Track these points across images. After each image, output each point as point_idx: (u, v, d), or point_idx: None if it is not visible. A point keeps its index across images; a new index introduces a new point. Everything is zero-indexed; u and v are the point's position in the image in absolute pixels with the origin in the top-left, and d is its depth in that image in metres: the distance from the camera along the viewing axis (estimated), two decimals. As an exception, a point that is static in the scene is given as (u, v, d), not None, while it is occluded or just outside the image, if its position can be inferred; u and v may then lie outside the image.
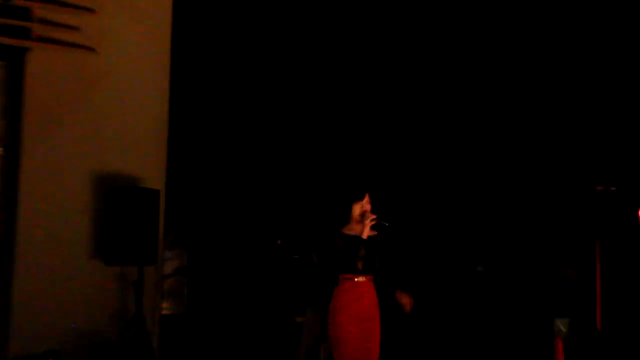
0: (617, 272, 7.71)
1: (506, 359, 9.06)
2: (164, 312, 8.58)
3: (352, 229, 6.86)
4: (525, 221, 9.09)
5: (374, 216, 6.79)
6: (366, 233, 6.82)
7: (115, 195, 7.37)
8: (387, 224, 6.78)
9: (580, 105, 9.02)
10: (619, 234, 6.79)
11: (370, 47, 9.13)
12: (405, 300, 6.85)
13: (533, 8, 8.84)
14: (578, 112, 8.94)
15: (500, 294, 9.36)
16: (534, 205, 9.12)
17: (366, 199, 6.84)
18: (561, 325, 8.72)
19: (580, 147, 9.03)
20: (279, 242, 9.53)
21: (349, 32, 9.13)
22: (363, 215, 6.81)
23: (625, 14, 8.55)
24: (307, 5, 9.20)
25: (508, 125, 9.12)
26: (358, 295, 6.74)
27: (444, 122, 9.32)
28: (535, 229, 9.07)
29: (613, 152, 8.86)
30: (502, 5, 8.82)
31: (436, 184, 9.50)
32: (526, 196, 9.14)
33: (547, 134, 9.07)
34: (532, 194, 9.12)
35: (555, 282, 9.16)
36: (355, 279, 6.73)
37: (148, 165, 7.78)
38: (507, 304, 9.21)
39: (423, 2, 8.98)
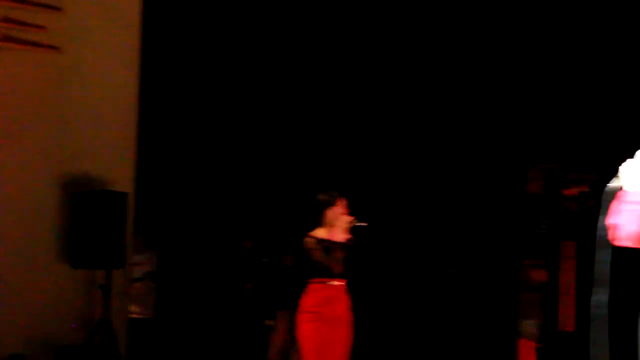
0: (584, 273, 8.00)
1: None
2: (132, 315, 8.57)
3: (327, 232, 6.78)
4: (494, 224, 9.18)
5: (351, 219, 6.72)
6: (342, 236, 6.73)
7: (82, 199, 7.36)
8: (365, 225, 6.66)
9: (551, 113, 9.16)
10: (587, 236, 6.84)
11: (340, 52, 9.23)
12: None
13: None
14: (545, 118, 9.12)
15: (470, 296, 9.41)
16: (503, 208, 9.22)
17: (342, 202, 6.76)
18: (528, 326, 8.76)
19: (549, 150, 9.14)
20: (248, 245, 9.50)
21: (320, 32, 9.19)
22: (339, 218, 6.73)
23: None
24: (276, 5, 9.21)
25: (478, 129, 9.20)
26: (331, 299, 6.69)
27: (415, 125, 9.37)
28: (503, 232, 9.19)
29: (583, 155, 8.95)
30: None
31: (408, 187, 9.53)
32: (495, 199, 9.22)
33: (517, 138, 9.19)
34: (502, 197, 9.20)
35: (522, 285, 9.28)
36: (329, 283, 6.68)
37: (117, 168, 7.74)
38: (477, 306, 9.26)
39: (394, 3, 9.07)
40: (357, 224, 6.68)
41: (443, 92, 9.09)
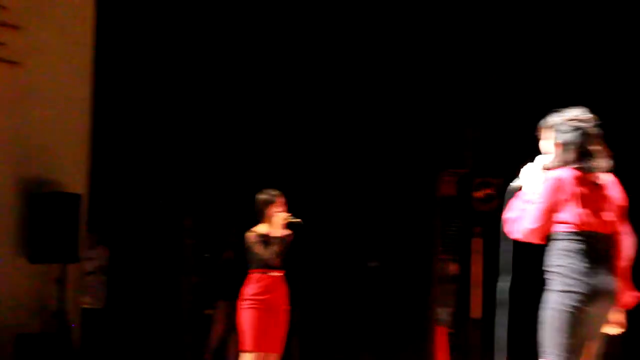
0: (491, 266, 7.79)
1: (393, 348, 9.53)
2: (85, 306, 8.81)
3: (267, 228, 6.91)
4: (413, 223, 9.53)
5: (287, 215, 6.84)
6: (280, 232, 6.86)
7: (38, 200, 7.59)
8: (300, 221, 6.78)
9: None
10: (493, 232, 7.22)
11: (267, 54, 9.33)
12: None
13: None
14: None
15: (391, 287, 9.79)
16: (420, 208, 9.49)
17: (280, 200, 6.89)
18: (443, 314, 9.30)
19: (460, 156, 9.37)
20: (189, 242, 9.66)
21: (252, 34, 9.29)
22: (277, 215, 6.86)
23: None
24: (212, 20, 9.36)
25: (399, 137, 9.49)
26: (271, 288, 6.82)
27: (336, 122, 9.51)
28: (420, 230, 9.52)
29: (490, 161, 9.28)
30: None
31: (338, 189, 9.79)
32: (413, 201, 9.53)
33: (432, 145, 9.44)
34: (419, 199, 9.50)
35: (437, 277, 9.59)
36: (269, 273, 6.84)
37: (71, 172, 7.93)
38: (396, 295, 9.64)
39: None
40: (292, 221, 6.84)
41: (366, 99, 9.42)
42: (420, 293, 9.40)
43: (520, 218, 4.15)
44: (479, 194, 8.67)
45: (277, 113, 9.49)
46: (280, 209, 6.79)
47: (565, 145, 4.18)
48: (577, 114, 4.22)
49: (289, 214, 6.75)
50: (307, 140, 9.53)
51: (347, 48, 9.25)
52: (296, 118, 9.53)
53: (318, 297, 9.48)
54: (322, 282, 9.53)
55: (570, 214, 4.09)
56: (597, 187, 4.16)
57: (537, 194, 4.13)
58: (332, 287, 9.68)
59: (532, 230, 4.10)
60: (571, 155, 4.15)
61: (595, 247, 4.09)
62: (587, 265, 4.05)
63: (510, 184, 4.29)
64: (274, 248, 6.70)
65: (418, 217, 9.40)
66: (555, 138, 4.22)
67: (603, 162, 4.18)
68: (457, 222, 9.49)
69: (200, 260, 9.99)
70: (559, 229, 4.11)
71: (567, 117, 4.21)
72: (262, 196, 6.80)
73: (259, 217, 6.84)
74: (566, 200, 4.09)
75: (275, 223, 6.78)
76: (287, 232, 6.82)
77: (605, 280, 4.07)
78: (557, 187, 4.10)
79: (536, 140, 4.31)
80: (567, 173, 4.14)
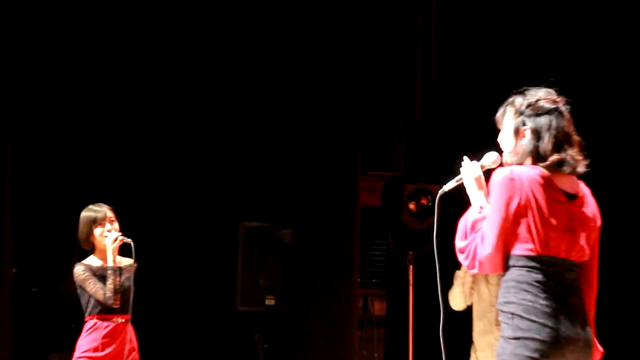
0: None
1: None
2: None
3: (100, 256, 6.07)
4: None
5: (117, 235, 5.98)
6: (113, 258, 6.01)
7: None
8: (130, 242, 5.90)
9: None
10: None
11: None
12: None
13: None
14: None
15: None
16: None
17: (109, 213, 6.06)
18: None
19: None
20: (14, 270, 8.53)
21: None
22: (106, 236, 6.01)
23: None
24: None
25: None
26: (112, 340, 6.05)
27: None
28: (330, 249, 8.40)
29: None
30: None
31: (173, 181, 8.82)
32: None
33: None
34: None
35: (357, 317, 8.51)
36: (109, 320, 6.05)
37: None
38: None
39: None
40: (123, 241, 5.95)
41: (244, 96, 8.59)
42: (333, 341, 8.15)
43: (474, 243, 3.69)
44: (412, 205, 7.62)
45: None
46: (109, 228, 5.99)
47: (537, 133, 3.72)
48: (546, 94, 3.81)
49: (119, 234, 5.93)
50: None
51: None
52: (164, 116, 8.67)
53: (180, 348, 8.41)
54: (186, 328, 8.46)
55: (528, 231, 3.64)
56: (570, 197, 3.72)
57: (489, 203, 3.70)
58: (198, 334, 8.51)
59: (489, 258, 3.64)
60: (546, 146, 3.70)
61: (561, 279, 3.65)
62: (547, 303, 3.61)
63: (442, 187, 3.91)
64: (111, 284, 5.92)
65: (327, 237, 8.21)
66: (521, 123, 3.77)
67: (581, 161, 3.75)
68: (383, 244, 8.84)
69: (27, 296, 9.00)
70: (513, 251, 3.66)
71: (538, 97, 3.78)
72: (84, 214, 6.03)
73: (83, 244, 6.05)
74: (524, 211, 3.64)
75: (106, 249, 5.97)
76: (128, 260, 6.07)
77: (573, 325, 3.63)
78: (514, 189, 3.62)
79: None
80: (530, 172, 3.68)
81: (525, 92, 3.81)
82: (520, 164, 3.71)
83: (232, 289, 7.64)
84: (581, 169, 3.74)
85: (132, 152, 8.68)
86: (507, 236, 3.63)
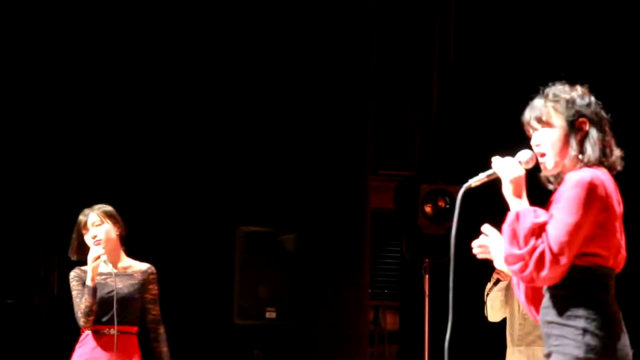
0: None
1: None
2: None
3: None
4: None
5: (99, 253, 5.83)
6: (92, 277, 5.78)
7: None
8: (104, 252, 5.75)
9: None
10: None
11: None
12: None
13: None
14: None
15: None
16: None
17: (92, 221, 5.93)
18: None
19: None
20: None
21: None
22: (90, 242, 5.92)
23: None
24: None
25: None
26: (105, 353, 5.86)
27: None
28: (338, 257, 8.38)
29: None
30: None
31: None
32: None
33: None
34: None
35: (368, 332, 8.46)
36: (103, 331, 5.86)
37: None
38: None
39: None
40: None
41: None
42: (341, 359, 8.07)
43: (538, 251, 3.39)
44: (428, 207, 7.64)
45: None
46: (95, 233, 5.90)
47: (599, 125, 3.50)
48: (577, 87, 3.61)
49: (103, 248, 5.80)
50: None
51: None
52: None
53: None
54: (178, 344, 7.86)
55: (602, 243, 3.45)
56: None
57: (565, 207, 3.42)
58: (192, 351, 8.34)
59: (560, 269, 3.39)
60: (611, 140, 3.50)
61: (613, 292, 3.53)
62: (618, 320, 3.47)
63: (468, 182, 3.57)
64: (83, 304, 5.79)
65: (334, 243, 8.19)
66: (574, 115, 3.50)
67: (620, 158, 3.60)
68: (396, 251, 8.97)
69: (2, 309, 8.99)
70: (585, 262, 3.44)
71: (576, 88, 3.54)
72: (80, 217, 6.01)
73: (71, 252, 5.98)
74: (604, 220, 3.44)
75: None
76: (139, 265, 6.00)
77: (628, 344, 3.50)
78: (596, 196, 3.40)
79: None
80: (606, 176, 3.48)
81: (553, 87, 3.59)
82: (589, 166, 3.50)
83: (228, 301, 7.65)
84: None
85: (132, 152, 8.78)
86: (580, 247, 3.48)
